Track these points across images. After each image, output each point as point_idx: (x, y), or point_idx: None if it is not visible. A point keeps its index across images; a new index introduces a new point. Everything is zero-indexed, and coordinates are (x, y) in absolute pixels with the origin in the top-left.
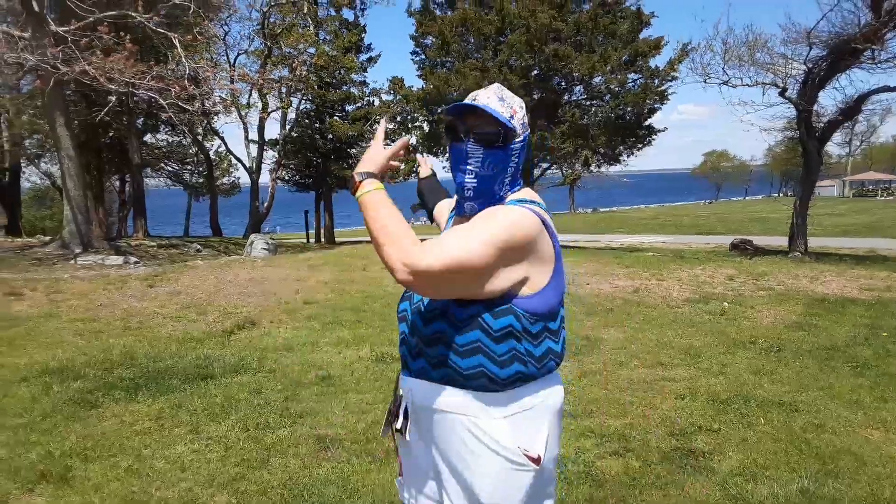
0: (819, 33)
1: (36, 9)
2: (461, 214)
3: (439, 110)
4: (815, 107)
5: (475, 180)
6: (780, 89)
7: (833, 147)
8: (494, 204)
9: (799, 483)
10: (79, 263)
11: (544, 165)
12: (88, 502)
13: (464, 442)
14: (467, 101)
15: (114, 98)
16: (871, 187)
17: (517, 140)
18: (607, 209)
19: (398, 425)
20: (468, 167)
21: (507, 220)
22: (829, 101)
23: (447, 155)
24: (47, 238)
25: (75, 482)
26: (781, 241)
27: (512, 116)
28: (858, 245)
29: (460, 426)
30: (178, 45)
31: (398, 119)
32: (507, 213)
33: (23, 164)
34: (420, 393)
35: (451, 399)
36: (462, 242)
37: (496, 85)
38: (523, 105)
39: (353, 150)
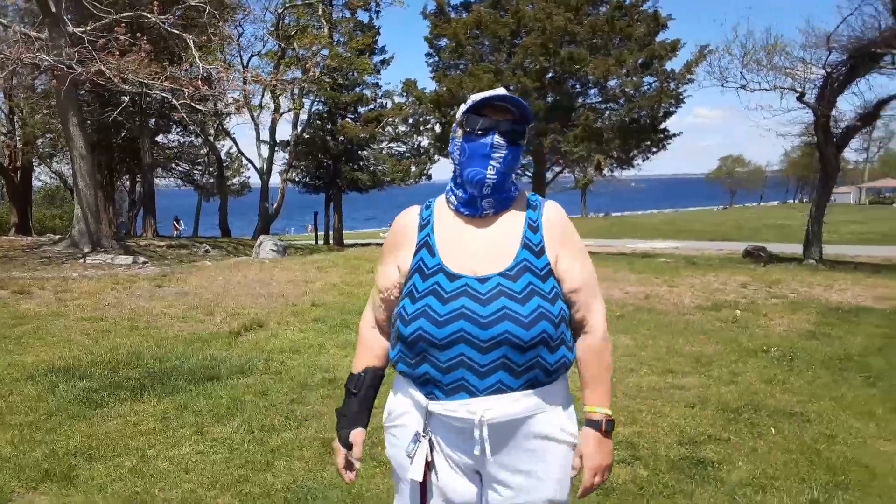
0: (839, 37)
1: (53, 10)
2: (476, 215)
3: (469, 101)
4: (834, 112)
5: (496, 175)
6: (798, 94)
7: (850, 153)
8: (508, 200)
9: (809, 495)
10: (88, 262)
11: (556, 169)
12: (91, 502)
13: (538, 439)
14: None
15: (127, 98)
16: (888, 195)
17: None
18: (620, 213)
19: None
20: (491, 162)
21: None
22: (847, 106)
23: (456, 148)
24: (57, 237)
25: (79, 481)
26: (796, 249)
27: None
28: (875, 253)
29: (534, 425)
30: (192, 46)
31: (410, 121)
32: None
33: (34, 163)
34: (500, 409)
35: (532, 400)
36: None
37: (501, 88)
38: None
39: (364, 152)
